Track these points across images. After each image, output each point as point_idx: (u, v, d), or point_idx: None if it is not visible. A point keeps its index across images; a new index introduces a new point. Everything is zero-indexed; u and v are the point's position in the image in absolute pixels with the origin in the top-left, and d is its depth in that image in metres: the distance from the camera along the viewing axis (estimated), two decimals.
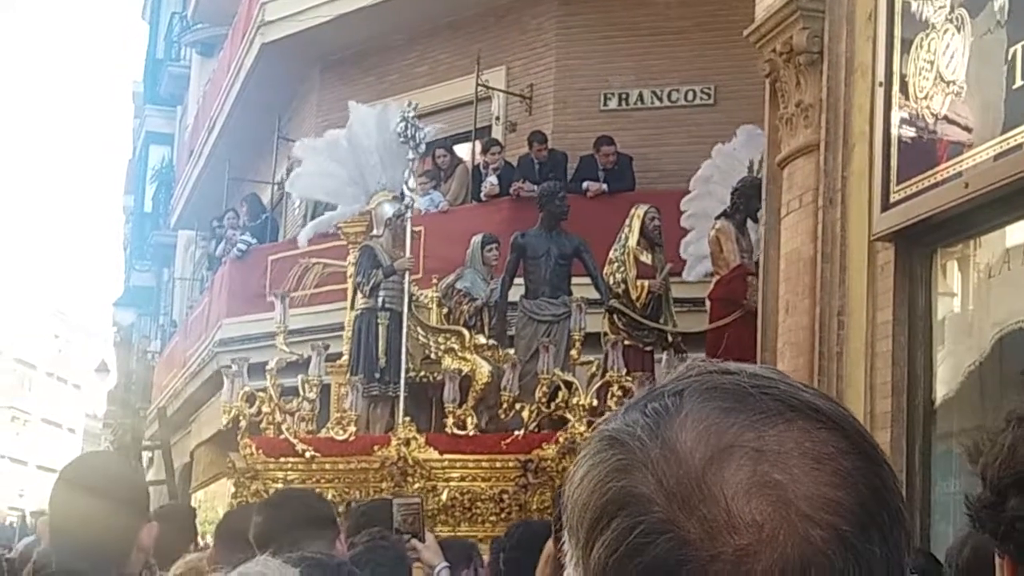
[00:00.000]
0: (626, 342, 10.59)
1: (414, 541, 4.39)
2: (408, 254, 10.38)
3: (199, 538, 7.10)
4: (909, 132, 6.54)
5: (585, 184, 13.93)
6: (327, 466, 9.84)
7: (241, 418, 10.21)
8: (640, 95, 15.23)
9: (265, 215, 18.98)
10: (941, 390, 6.58)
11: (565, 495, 0.90)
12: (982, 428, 6.21)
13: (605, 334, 10.85)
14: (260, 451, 9.94)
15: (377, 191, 10.70)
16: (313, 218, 16.65)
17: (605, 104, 15.35)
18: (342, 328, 15.16)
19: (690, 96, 15.01)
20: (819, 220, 7.15)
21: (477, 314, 11.02)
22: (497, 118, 15.93)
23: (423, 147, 10.98)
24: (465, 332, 10.57)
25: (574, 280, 11.12)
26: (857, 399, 6.71)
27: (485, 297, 11.09)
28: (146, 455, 30.56)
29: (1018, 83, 5.64)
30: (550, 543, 3.77)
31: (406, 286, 10.37)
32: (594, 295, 10.97)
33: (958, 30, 6.18)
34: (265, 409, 10.23)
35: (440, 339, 10.61)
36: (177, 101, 33.28)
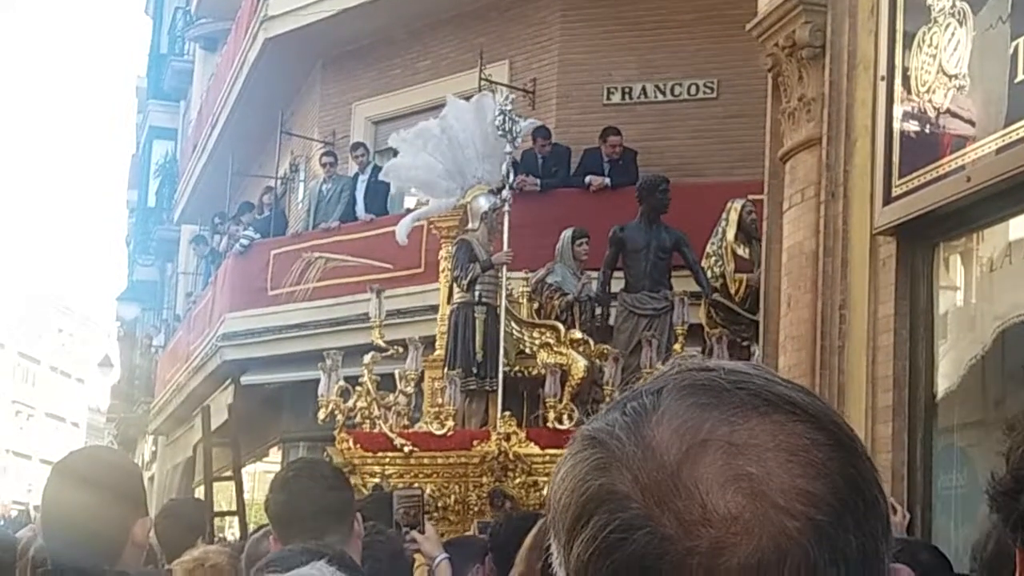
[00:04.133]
0: (727, 336, 10.52)
1: (414, 533, 4.39)
2: (506, 248, 10.30)
3: (208, 533, 7.08)
4: (911, 126, 6.53)
5: (588, 178, 13.93)
6: (425, 461, 9.64)
7: (337, 412, 10.05)
8: (643, 89, 15.21)
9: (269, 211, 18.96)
10: (943, 384, 6.58)
11: (548, 495, 0.92)
12: (982, 422, 6.22)
13: (703, 328, 10.79)
14: (358, 445, 9.75)
15: (473, 184, 10.62)
16: (317, 213, 16.71)
17: (608, 98, 15.34)
18: (344, 323, 15.23)
19: (693, 90, 14.99)
20: (821, 214, 7.15)
21: (568, 309, 10.95)
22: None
23: (520, 140, 10.90)
24: (560, 327, 10.48)
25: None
26: (858, 393, 6.71)
27: (576, 292, 11.05)
28: (149, 448, 30.61)
29: (1020, 77, 5.63)
30: (533, 531, 3.80)
31: (503, 280, 10.29)
32: (693, 287, 10.91)
33: (960, 24, 6.17)
34: (361, 404, 10.09)
35: (535, 334, 10.52)
36: (180, 96, 33.26)
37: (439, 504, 9.47)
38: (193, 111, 29.08)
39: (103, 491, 2.66)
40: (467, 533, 8.34)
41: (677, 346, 10.45)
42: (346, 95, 18.19)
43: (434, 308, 12.76)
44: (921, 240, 6.62)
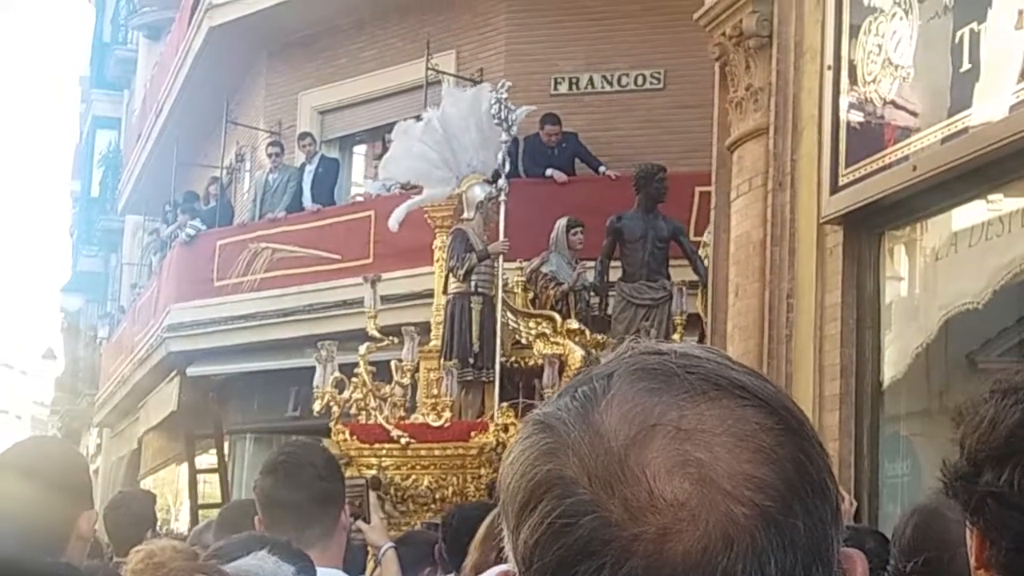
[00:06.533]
0: None
1: (359, 523, 4.37)
2: (502, 237, 10.24)
3: (157, 525, 7.02)
4: (857, 116, 6.57)
5: (549, 171, 13.91)
6: (423, 452, 9.57)
7: (333, 404, 9.93)
8: (590, 79, 15.22)
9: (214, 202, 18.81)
10: (889, 372, 6.63)
11: (499, 480, 0.91)
12: (927, 411, 6.26)
13: (701, 318, 10.77)
14: (354, 437, 9.67)
15: (468, 174, 10.56)
16: (263, 203, 16.60)
17: (555, 88, 15.33)
18: (292, 314, 15.16)
19: (640, 80, 15.01)
20: (768, 203, 7.17)
21: (563, 298, 10.91)
22: None
23: (515, 128, 10.82)
24: (556, 316, 10.43)
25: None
26: (806, 381, 6.75)
27: (571, 281, 11.02)
28: (94, 441, 30.33)
29: (964, 67, 5.67)
30: (487, 521, 3.80)
31: (499, 270, 10.25)
32: (691, 277, 10.84)
33: (906, 14, 6.21)
34: (357, 395, 10.01)
35: (531, 324, 10.46)
36: (124, 85, 32.97)
37: (436, 496, 9.45)
38: (137, 100, 28.81)
39: (47, 483, 2.61)
40: (415, 528, 8.29)
41: (676, 336, 10.41)
42: (292, 84, 18.08)
43: (384, 299, 12.69)
44: (867, 229, 6.66)
